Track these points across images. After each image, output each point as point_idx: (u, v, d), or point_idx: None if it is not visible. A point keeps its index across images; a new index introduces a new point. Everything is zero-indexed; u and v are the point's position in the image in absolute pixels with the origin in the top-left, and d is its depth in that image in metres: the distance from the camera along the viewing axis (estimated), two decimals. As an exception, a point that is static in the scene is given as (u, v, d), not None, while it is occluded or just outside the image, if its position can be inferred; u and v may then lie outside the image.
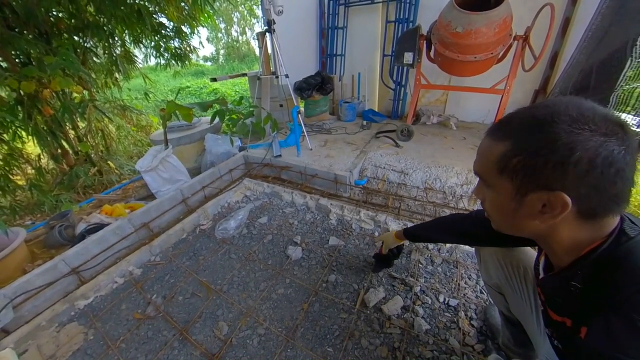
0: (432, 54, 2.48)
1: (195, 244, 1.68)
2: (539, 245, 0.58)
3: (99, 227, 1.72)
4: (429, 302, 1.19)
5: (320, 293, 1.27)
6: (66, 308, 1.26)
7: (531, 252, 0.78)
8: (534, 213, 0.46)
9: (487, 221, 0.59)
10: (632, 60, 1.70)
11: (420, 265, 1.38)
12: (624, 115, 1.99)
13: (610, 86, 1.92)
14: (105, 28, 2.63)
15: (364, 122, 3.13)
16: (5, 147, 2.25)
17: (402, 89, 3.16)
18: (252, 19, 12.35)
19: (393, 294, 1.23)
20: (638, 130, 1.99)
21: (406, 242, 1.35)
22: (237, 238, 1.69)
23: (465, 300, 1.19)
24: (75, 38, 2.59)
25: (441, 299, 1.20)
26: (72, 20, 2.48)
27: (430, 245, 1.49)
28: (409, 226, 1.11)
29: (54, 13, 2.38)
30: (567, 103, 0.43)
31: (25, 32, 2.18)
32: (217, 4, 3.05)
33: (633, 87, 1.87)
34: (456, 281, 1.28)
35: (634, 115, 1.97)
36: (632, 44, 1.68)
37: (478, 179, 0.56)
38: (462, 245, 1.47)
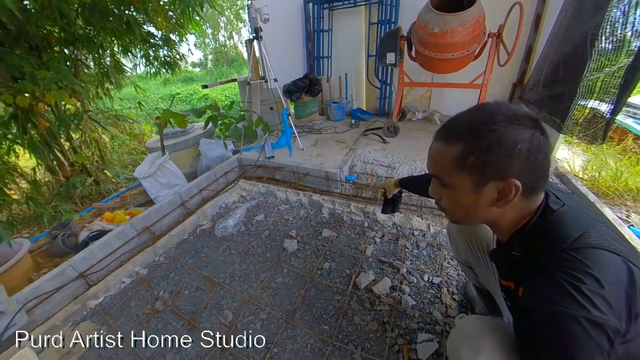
0: (413, 53, 2.60)
1: (196, 243, 1.76)
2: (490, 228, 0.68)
3: (102, 233, 1.79)
4: (415, 282, 1.31)
5: (315, 279, 1.38)
6: (78, 308, 1.34)
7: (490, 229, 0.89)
8: (491, 201, 0.55)
9: None
10: (592, 54, 1.84)
11: (407, 250, 1.50)
12: (591, 102, 2.15)
13: (577, 77, 2.07)
14: (95, 40, 2.68)
15: (353, 121, 3.25)
16: (-1, 162, 2.28)
17: (388, 87, 3.28)
18: (239, 23, 12.40)
19: (382, 276, 1.34)
20: (609, 117, 2.15)
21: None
22: (236, 235, 1.78)
23: (448, 278, 1.31)
24: (66, 51, 2.63)
25: (426, 278, 1.32)
26: (62, 34, 2.53)
27: (416, 232, 1.62)
28: (404, 177, 1.19)
29: (45, 27, 2.43)
30: (496, 106, 0.53)
31: (15, 47, 2.22)
32: (204, 9, 3.10)
33: (597, 77, 2.02)
34: (439, 262, 1.40)
35: (599, 102, 2.13)
36: (591, 38, 1.82)
37: (432, 179, 0.63)
38: (445, 230, 1.59)
